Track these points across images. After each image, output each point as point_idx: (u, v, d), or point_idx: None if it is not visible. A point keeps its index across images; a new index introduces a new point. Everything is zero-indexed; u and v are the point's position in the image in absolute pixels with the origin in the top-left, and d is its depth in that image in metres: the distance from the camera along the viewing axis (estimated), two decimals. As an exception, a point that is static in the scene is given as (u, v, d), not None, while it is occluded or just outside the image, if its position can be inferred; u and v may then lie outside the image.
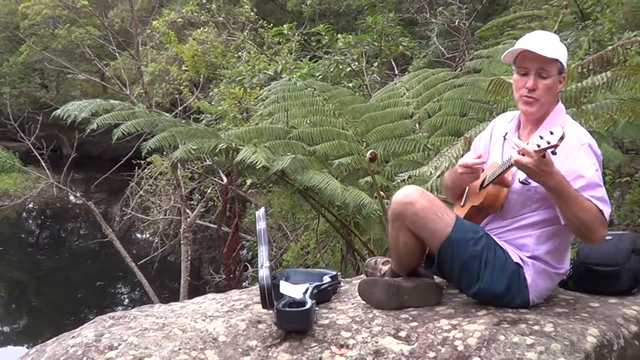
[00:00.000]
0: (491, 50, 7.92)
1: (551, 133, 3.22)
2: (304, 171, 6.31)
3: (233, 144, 6.35)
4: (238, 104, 12.15)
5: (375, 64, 11.99)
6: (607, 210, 3.45)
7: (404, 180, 5.76)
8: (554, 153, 3.28)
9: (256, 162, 5.94)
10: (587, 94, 5.54)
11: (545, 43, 3.65)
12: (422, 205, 3.64)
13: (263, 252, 3.71)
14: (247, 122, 10.74)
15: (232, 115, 11.85)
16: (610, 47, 5.96)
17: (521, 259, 3.71)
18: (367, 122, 7.24)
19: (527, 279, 3.69)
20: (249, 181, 8.85)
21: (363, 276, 4.41)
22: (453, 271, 3.75)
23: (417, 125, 7.19)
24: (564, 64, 3.69)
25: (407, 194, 3.69)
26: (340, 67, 10.98)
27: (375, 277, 4.06)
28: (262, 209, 3.97)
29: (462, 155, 4.44)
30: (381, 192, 5.93)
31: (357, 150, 6.89)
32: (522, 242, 3.72)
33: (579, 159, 3.49)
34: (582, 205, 3.39)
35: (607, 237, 4.15)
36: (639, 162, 8.91)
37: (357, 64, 11.19)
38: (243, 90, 12.03)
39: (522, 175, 3.63)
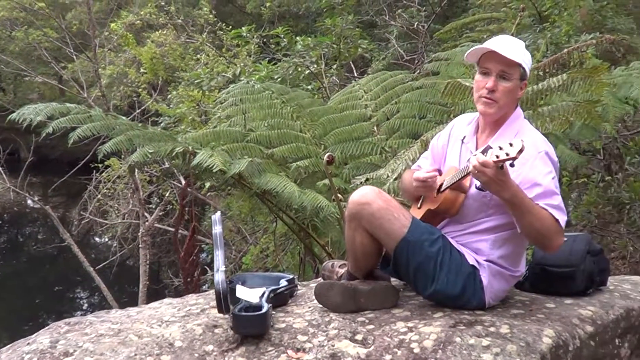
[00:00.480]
0: (449, 52, 7.96)
1: (510, 145, 3.24)
2: (260, 174, 6.30)
3: (190, 148, 6.32)
4: (196, 107, 12.10)
5: (334, 66, 11.98)
6: (563, 219, 3.47)
7: (361, 182, 5.76)
8: (512, 165, 3.32)
9: (213, 166, 5.91)
10: (543, 96, 5.58)
11: (511, 47, 3.67)
12: (379, 205, 3.65)
13: (219, 257, 3.68)
14: (205, 125, 10.70)
15: (190, 118, 11.80)
16: (566, 50, 6.00)
17: (477, 261, 3.72)
18: (325, 124, 7.25)
19: (483, 281, 3.70)
20: (207, 184, 8.79)
21: (320, 279, 4.41)
22: (409, 272, 3.75)
23: (375, 128, 7.20)
24: (527, 71, 3.71)
25: (364, 194, 3.69)
26: (299, 69, 10.96)
27: (332, 280, 4.06)
28: (218, 213, 3.95)
29: (419, 157, 4.44)
30: (339, 195, 5.93)
31: (315, 153, 6.89)
32: (478, 247, 3.74)
33: (535, 167, 3.51)
34: (538, 215, 3.42)
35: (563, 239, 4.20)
36: (595, 163, 9.00)
37: (315, 66, 11.17)
38: (201, 93, 11.97)
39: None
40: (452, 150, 3.99)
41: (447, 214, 3.81)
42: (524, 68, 3.67)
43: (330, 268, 4.31)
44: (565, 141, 6.85)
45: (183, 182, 9.69)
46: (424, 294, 3.80)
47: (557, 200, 3.48)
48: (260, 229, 12.21)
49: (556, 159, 3.63)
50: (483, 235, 3.72)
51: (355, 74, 13.11)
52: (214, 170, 5.96)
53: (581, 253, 4.10)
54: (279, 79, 10.48)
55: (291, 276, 4.23)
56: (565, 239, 4.13)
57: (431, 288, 3.69)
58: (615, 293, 4.17)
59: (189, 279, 7.23)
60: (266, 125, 7.25)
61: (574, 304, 3.89)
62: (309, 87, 10.66)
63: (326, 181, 6.23)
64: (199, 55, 14.69)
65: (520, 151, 3.19)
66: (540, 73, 5.82)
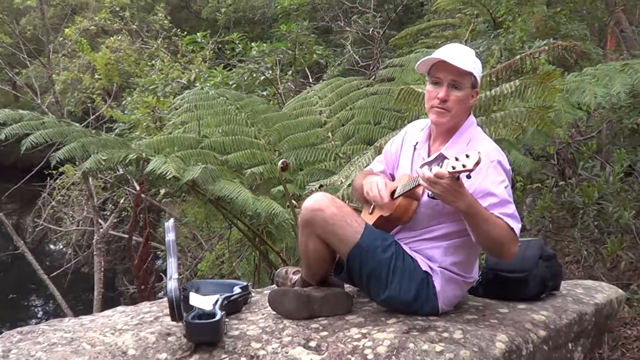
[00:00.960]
0: (404, 58, 7.99)
1: (467, 156, 3.24)
2: (214, 181, 6.26)
3: (143, 154, 6.29)
4: (151, 113, 12.02)
5: (290, 72, 11.99)
6: (517, 227, 3.49)
7: (315, 189, 5.76)
8: (468, 177, 3.38)
9: (166, 173, 5.89)
10: (497, 102, 5.59)
11: (461, 56, 3.68)
12: (332, 211, 3.65)
13: (172, 264, 3.65)
14: (160, 131, 10.63)
15: (145, 124, 11.72)
16: (519, 56, 6.04)
17: (430, 267, 3.73)
18: (280, 130, 7.25)
19: (436, 286, 3.71)
20: (162, 191, 8.74)
21: (274, 286, 4.40)
22: (362, 278, 3.75)
23: (329, 134, 7.21)
24: (478, 79, 3.73)
25: (317, 201, 3.69)
26: (254, 75, 10.95)
27: (286, 287, 4.06)
28: (171, 221, 3.91)
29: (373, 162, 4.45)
30: (293, 201, 5.92)
31: (270, 159, 6.88)
32: (431, 253, 3.74)
33: (489, 177, 3.52)
34: (494, 224, 3.43)
35: (516, 244, 4.24)
36: (549, 168, 9.05)
37: (271, 72, 11.17)
38: (156, 99, 11.91)
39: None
40: (405, 156, 4.00)
41: (399, 222, 3.80)
42: (475, 77, 3.69)
43: (284, 275, 4.31)
44: (518, 147, 6.89)
45: (138, 188, 9.62)
46: (377, 300, 3.81)
47: (512, 208, 3.49)
48: (215, 235, 12.15)
49: (509, 167, 3.64)
50: (436, 242, 3.73)
51: (311, 80, 13.10)
52: (168, 177, 5.93)
53: (534, 258, 4.14)
54: (233, 85, 10.47)
55: (245, 283, 4.22)
56: (519, 244, 4.18)
57: (384, 294, 3.70)
58: (569, 297, 4.21)
59: (143, 287, 7.17)
60: (221, 131, 7.23)
61: (527, 308, 3.91)
62: (264, 93, 10.66)
63: (281, 187, 6.23)
64: (153, 61, 14.62)
65: (477, 163, 3.19)
66: (494, 79, 5.84)
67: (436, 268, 3.73)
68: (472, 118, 3.81)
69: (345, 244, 3.67)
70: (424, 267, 3.72)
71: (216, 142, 6.99)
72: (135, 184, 10.61)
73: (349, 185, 5.31)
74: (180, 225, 12.55)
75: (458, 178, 3.32)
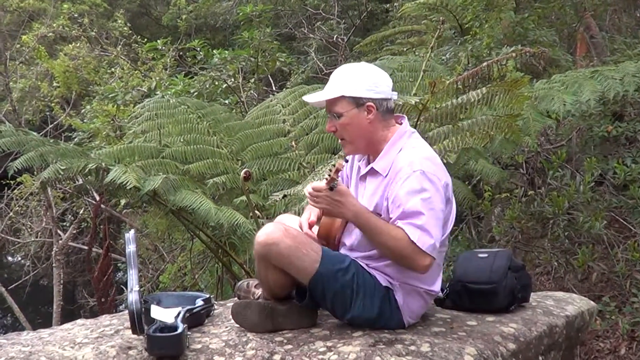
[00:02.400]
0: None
1: (333, 166, 3.43)
2: (176, 191, 6.25)
3: (103, 164, 6.24)
4: (111, 122, 11.95)
5: (252, 80, 11.99)
6: (424, 240, 3.45)
7: (279, 199, 5.74)
8: (331, 188, 3.47)
9: (126, 183, 5.86)
10: (463, 110, 5.57)
11: (328, 85, 3.77)
12: (286, 244, 3.62)
13: (133, 276, 3.63)
14: (120, 140, 10.57)
15: (105, 133, 11.65)
16: (486, 63, 6.05)
17: (390, 282, 3.73)
18: (243, 140, 7.24)
19: (398, 301, 3.71)
20: (123, 201, 8.69)
21: (236, 299, 4.37)
22: (326, 302, 3.75)
23: (293, 143, 7.20)
24: (361, 94, 3.68)
25: (269, 235, 3.64)
26: (216, 83, 10.93)
27: (248, 300, 4.03)
28: (132, 232, 3.88)
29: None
30: (256, 212, 5.90)
31: (232, 168, 6.87)
32: (387, 271, 3.74)
33: (404, 187, 3.50)
34: (389, 235, 3.49)
35: (483, 255, 4.24)
36: (518, 177, 9.09)
37: (233, 80, 11.16)
38: (116, 108, 11.84)
39: (369, 205, 3.71)
40: (353, 174, 4.02)
41: (328, 243, 3.88)
42: (350, 96, 3.69)
43: (245, 288, 4.29)
44: (486, 155, 6.92)
45: (97, 199, 9.55)
46: (343, 320, 3.80)
47: (422, 220, 3.46)
48: (177, 247, 12.11)
49: (442, 177, 3.59)
50: (386, 261, 3.72)
51: (274, 88, 13.13)
52: (128, 187, 5.91)
53: (502, 269, 4.11)
54: (195, 93, 10.44)
55: (207, 295, 4.20)
56: (486, 255, 4.18)
57: (349, 314, 3.71)
58: (538, 309, 4.21)
59: (103, 299, 7.10)
60: (182, 140, 7.21)
61: (496, 321, 3.91)
62: (226, 101, 10.65)
63: (244, 198, 6.20)
64: (113, 69, 14.56)
65: (337, 171, 3.40)
66: (460, 86, 5.83)
67: (395, 283, 3.73)
68: (401, 129, 3.78)
69: (304, 274, 3.66)
70: (384, 283, 3.72)
71: (177, 152, 6.97)
72: (95, 194, 10.52)
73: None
74: (141, 237, 12.50)
75: (332, 189, 3.45)
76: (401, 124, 3.80)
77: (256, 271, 3.87)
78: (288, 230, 3.67)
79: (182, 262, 11.29)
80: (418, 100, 5.36)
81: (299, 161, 6.95)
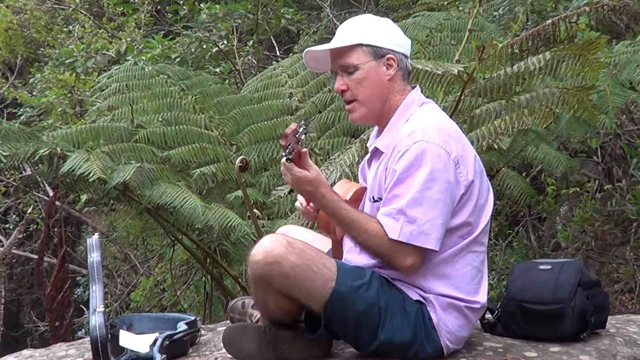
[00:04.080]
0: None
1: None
2: (153, 184, 6.27)
3: (59, 149, 6.26)
4: (69, 95, 11.97)
5: (250, 42, 11.97)
6: (406, 228, 3.56)
7: (284, 194, 5.76)
8: (288, 159, 3.55)
9: (89, 173, 5.88)
10: (521, 81, 5.56)
11: (340, 33, 3.86)
12: (292, 262, 3.60)
13: (96, 293, 3.67)
14: (80, 119, 10.59)
15: (60, 109, 11.65)
16: (550, 20, 5.99)
17: (420, 295, 3.74)
18: (238, 119, 7.30)
19: (433, 318, 3.73)
20: (84, 197, 8.71)
21: (230, 322, 4.39)
22: (347, 328, 3.74)
23: (301, 123, 7.21)
24: (381, 44, 3.82)
25: (270, 252, 3.62)
26: (205, 46, 10.93)
27: (245, 323, 4.06)
28: (96, 236, 3.93)
29: (359, 162, 4.50)
30: (255, 211, 5.92)
31: (225, 156, 6.91)
32: (410, 280, 3.77)
33: (399, 164, 3.63)
34: (361, 229, 3.65)
35: (546, 267, 4.24)
36: (591, 167, 9.03)
37: (226, 42, 11.14)
38: (75, 77, 11.87)
39: (372, 192, 3.86)
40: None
41: (326, 233, 4.03)
42: (369, 45, 3.81)
43: (240, 309, 4.31)
44: (549, 139, 6.90)
45: (51, 194, 9.58)
46: (368, 350, 3.78)
47: (402, 201, 3.58)
48: (154, 255, 12.15)
49: (451, 149, 3.65)
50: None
51: (278, 53, 13.11)
52: (91, 179, 5.93)
53: (570, 285, 4.09)
54: (177, 60, 10.44)
55: (193, 318, 4.22)
56: (549, 266, 4.18)
57: (377, 340, 3.70)
58: (618, 338, 4.18)
59: (57, 323, 7.13)
60: (160, 119, 7.25)
61: (563, 352, 3.92)
62: (217, 69, 10.65)
63: (239, 193, 6.22)
64: (71, 27, 14.53)
65: (285, 136, 3.57)
66: (517, 51, 5.79)
67: (427, 295, 3.74)
68: (412, 95, 3.90)
69: (317, 298, 3.66)
70: (414, 296, 3.74)
71: (155, 134, 7.00)
72: (48, 189, 10.57)
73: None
74: (108, 242, 12.54)
75: (290, 160, 3.56)
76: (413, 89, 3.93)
77: (252, 295, 3.90)
78: (292, 244, 3.66)
79: (160, 274, 11.33)
80: (462, 69, 5.37)
81: (309, 146, 6.94)
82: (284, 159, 3.54)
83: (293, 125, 3.64)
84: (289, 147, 3.51)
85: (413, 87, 3.93)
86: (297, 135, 3.59)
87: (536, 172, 8.59)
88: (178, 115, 7.28)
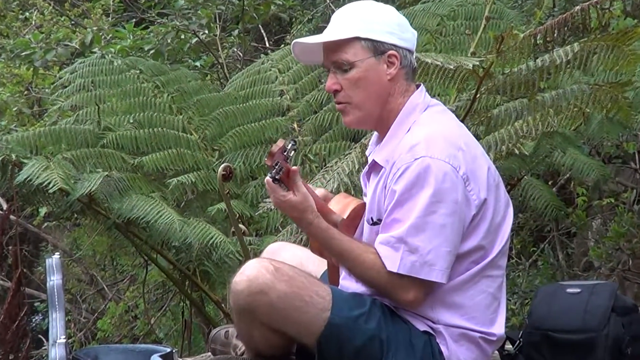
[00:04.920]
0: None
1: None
2: (122, 196, 6.28)
3: (13, 156, 6.27)
4: (25, 93, 11.97)
5: (235, 32, 11.99)
6: (406, 259, 3.49)
7: (273, 207, 5.76)
8: (274, 180, 3.49)
9: (48, 184, 5.89)
10: (545, 76, 5.57)
11: (333, 22, 3.78)
12: (279, 291, 3.56)
13: (57, 321, 3.67)
14: (39, 120, 10.60)
15: (15, 109, 11.65)
16: (579, 6, 5.96)
17: (429, 325, 3.71)
18: (221, 120, 7.31)
19: (443, 351, 3.69)
20: (43, 210, 8.72)
21: (211, 354, 4.40)
22: None
23: (295, 125, 7.23)
24: (382, 38, 3.72)
25: (254, 280, 3.58)
26: (183, 37, 10.93)
27: (229, 356, 4.06)
28: (57, 256, 3.93)
29: (360, 170, 4.49)
30: (241, 226, 5.94)
31: (206, 163, 6.93)
32: (421, 309, 3.72)
33: (398, 185, 3.56)
34: (357, 260, 3.60)
35: (575, 290, 4.24)
36: (627, 175, 9.02)
37: (207, 32, 11.16)
38: (33, 72, 11.86)
39: (370, 213, 3.79)
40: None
41: (323, 252, 3.92)
42: (368, 39, 3.70)
43: (223, 340, 4.31)
44: (578, 143, 6.90)
45: (4, 207, 9.60)
46: None
47: (402, 228, 3.51)
48: (124, 277, 12.15)
49: (460, 164, 3.56)
50: None
51: (267, 44, 13.11)
52: (51, 190, 5.95)
53: (603, 311, 4.10)
54: (151, 52, 10.44)
55: (169, 349, 4.22)
56: (579, 289, 4.19)
57: None
58: (661, 374, 4.16)
59: (11, 356, 7.14)
60: (132, 121, 7.26)
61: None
62: (198, 63, 10.66)
63: (222, 205, 6.23)
64: (28, 13, 14.54)
65: (271, 155, 3.46)
66: (541, 41, 5.79)
67: (436, 325, 3.71)
68: (412, 99, 3.79)
69: (310, 331, 3.64)
70: (422, 327, 3.70)
71: (125, 138, 7.01)
72: (1, 201, 10.59)
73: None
74: (71, 263, 12.53)
75: (276, 180, 3.50)
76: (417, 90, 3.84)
77: (235, 327, 3.90)
78: (280, 270, 3.62)
79: (131, 299, 11.34)
80: (478, 63, 5.37)
81: (303, 152, 6.97)
82: (268, 178, 3.48)
83: (280, 142, 3.54)
84: (276, 166, 3.45)
85: (417, 86, 3.83)
86: (285, 153, 3.51)
87: (564, 180, 8.60)
88: (152, 116, 7.27)
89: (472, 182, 3.58)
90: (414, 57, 3.83)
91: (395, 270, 3.49)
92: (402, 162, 3.53)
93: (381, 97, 3.73)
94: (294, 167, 3.58)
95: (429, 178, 3.49)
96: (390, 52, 3.70)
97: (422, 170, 3.50)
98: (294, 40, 3.83)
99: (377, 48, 3.69)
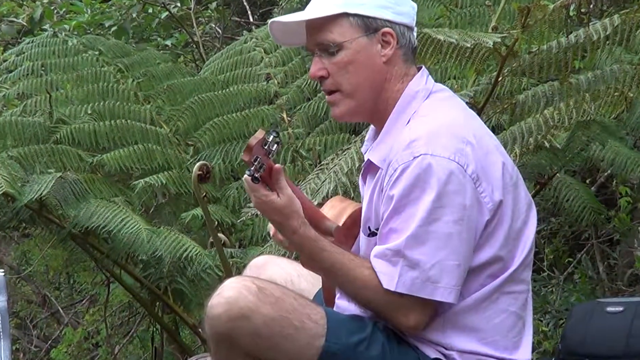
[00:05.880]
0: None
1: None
2: (79, 201, 6.29)
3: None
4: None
5: (214, 4, 12.00)
6: (406, 276, 3.39)
7: (257, 213, 5.76)
8: (254, 180, 3.33)
9: (-10, 187, 5.90)
10: (579, 55, 5.58)
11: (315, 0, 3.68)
12: (264, 316, 3.43)
13: (1, 351, 3.70)
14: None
15: (-48, 97, 11.68)
16: None
17: (440, 352, 3.68)
18: (197, 110, 7.32)
19: (459, 382, 3.67)
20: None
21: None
22: None
23: (283, 115, 7.24)
24: (373, 13, 3.60)
25: (234, 302, 3.44)
26: (150, 11, 10.94)
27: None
28: (1, 273, 3.95)
29: (361, 168, 4.47)
30: (221, 236, 5.94)
31: (179, 161, 6.96)
32: (431, 335, 3.67)
33: (395, 188, 3.45)
34: (349, 276, 3.48)
35: (616, 309, 4.25)
36: (680, 172, 9.04)
37: (179, 5, 11.18)
38: (-30, 53, 11.89)
39: (367, 222, 3.70)
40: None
41: (318, 272, 3.85)
42: (357, 14, 3.59)
43: (199, 372, 4.31)
44: (620, 134, 6.91)
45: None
46: None
47: (400, 239, 3.41)
48: (83, 297, 12.16)
49: (468, 161, 3.43)
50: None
51: (251, 19, 13.14)
52: (-6, 195, 5.95)
53: None
54: (113, 29, 10.45)
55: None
56: (621, 308, 4.19)
57: None
58: None
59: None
60: (90, 112, 7.25)
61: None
62: (168, 42, 10.67)
63: (198, 211, 6.24)
64: (-36, -16, 14.57)
65: (248, 149, 3.31)
66: (574, 13, 5.81)
67: (450, 352, 3.70)
68: (412, 85, 3.69)
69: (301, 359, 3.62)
70: (432, 353, 3.64)
71: (82, 132, 7.01)
72: None
73: (319, 205, 5.24)
74: (19, 281, 12.54)
75: (255, 180, 3.34)
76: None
77: (212, 358, 3.88)
78: (265, 290, 3.50)
79: (91, 323, 11.34)
80: (500, 40, 5.37)
81: (294, 147, 6.98)
82: (247, 176, 3.32)
83: (259, 134, 3.36)
84: (256, 162, 3.30)
85: (419, 69, 3.72)
86: (266, 147, 3.35)
87: (604, 178, 8.62)
88: (114, 106, 7.28)
89: (483, 182, 3.45)
90: (414, 34, 3.71)
91: (392, 289, 3.39)
92: (400, 162, 3.38)
93: (375, 84, 3.63)
94: (277, 165, 3.44)
95: (431, 179, 3.36)
96: (385, 29, 3.59)
97: (422, 170, 3.37)
98: (271, 20, 3.71)
99: (369, 25, 3.58)
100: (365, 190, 3.71)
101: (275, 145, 3.41)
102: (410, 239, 3.36)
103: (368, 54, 3.58)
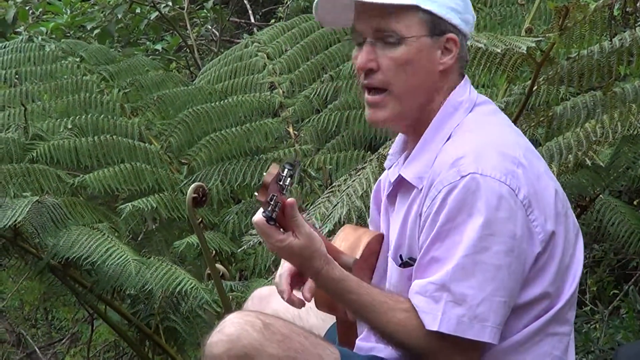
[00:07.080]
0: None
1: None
2: (59, 228, 6.29)
3: None
4: None
5: (209, 3, 12.03)
6: (450, 312, 3.34)
7: (260, 242, 5.77)
8: (269, 220, 3.26)
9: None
10: (625, 60, 5.58)
11: None
12: (271, 355, 3.40)
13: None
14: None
15: None
16: None
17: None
18: (191, 124, 7.32)
19: None
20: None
21: None
22: None
23: (289, 129, 7.24)
24: (444, 14, 3.57)
25: (236, 340, 3.41)
26: (139, 10, 10.96)
27: None
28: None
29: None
30: (219, 266, 5.94)
31: (171, 181, 6.95)
32: None
33: (439, 212, 3.41)
34: (384, 318, 3.42)
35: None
36: None
37: (171, 4, 11.19)
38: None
39: (399, 250, 3.67)
40: (383, 204, 3.98)
41: (331, 310, 3.87)
42: (428, 11, 3.54)
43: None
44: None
45: None
46: None
47: (444, 270, 3.36)
48: (63, 336, 12.17)
49: (520, 184, 3.40)
50: None
51: (253, 20, 13.17)
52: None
53: None
54: (96, 31, 10.46)
55: None
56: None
57: None
58: None
59: None
60: (70, 127, 7.24)
61: None
62: (159, 46, 10.66)
63: (194, 239, 6.25)
64: None
65: (264, 187, 3.20)
66: (618, 13, 5.82)
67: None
68: (453, 97, 3.66)
69: None
70: None
71: (62, 149, 7.01)
72: None
73: (329, 234, 5.25)
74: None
75: (270, 221, 3.27)
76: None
77: None
78: (271, 326, 3.48)
79: (73, 366, 11.37)
80: (534, 45, 5.37)
81: (302, 165, 6.96)
82: (259, 217, 3.27)
83: (273, 169, 3.26)
84: (272, 202, 3.22)
85: (461, 76, 3.68)
86: (280, 183, 3.26)
87: (655, 200, 8.62)
88: (97, 120, 7.30)
89: (535, 209, 3.41)
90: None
91: (435, 329, 3.32)
92: (445, 182, 3.36)
93: (428, 92, 3.59)
94: (290, 199, 3.33)
95: (479, 203, 3.33)
96: (450, 35, 3.56)
97: (470, 192, 3.34)
98: None
99: (436, 26, 3.55)
100: (395, 213, 3.66)
101: (289, 179, 3.30)
102: (456, 270, 3.32)
103: (429, 57, 3.54)
